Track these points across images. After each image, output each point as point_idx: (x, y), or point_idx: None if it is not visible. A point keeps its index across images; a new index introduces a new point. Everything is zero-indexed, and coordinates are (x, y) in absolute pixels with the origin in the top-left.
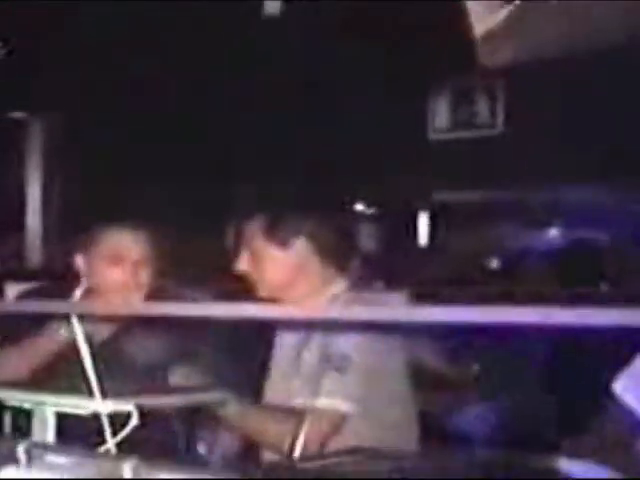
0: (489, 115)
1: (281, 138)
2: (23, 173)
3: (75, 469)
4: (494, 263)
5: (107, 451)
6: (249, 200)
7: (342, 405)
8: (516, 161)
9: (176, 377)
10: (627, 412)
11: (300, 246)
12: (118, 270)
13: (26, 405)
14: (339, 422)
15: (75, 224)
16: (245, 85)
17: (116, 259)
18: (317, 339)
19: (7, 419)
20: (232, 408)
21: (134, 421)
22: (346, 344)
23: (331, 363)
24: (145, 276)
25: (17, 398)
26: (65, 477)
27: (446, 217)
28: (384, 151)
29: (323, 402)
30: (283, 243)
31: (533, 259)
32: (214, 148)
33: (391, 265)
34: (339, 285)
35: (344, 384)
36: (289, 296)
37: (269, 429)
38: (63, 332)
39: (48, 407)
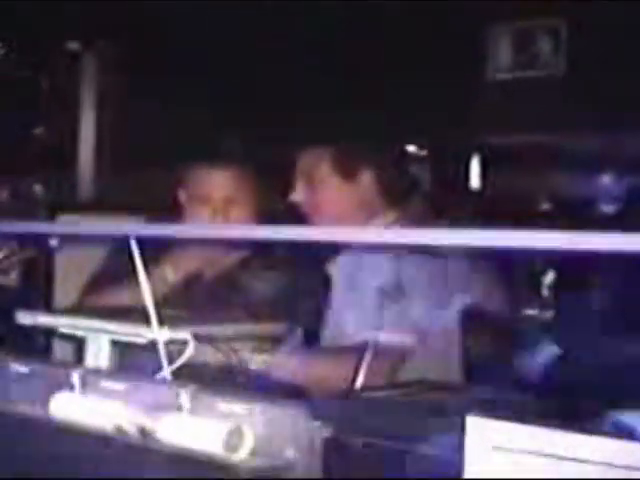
0: (551, 56)
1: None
2: (76, 105)
3: (130, 395)
4: (547, 207)
5: (163, 378)
6: (312, 131)
7: (402, 338)
8: (577, 104)
9: None
10: None
11: (365, 179)
12: (207, 209)
13: (80, 333)
14: (400, 356)
15: (127, 158)
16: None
17: (205, 198)
18: (369, 269)
19: (59, 346)
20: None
21: (190, 350)
22: (400, 274)
23: (387, 295)
24: (235, 214)
25: (71, 325)
26: (121, 404)
27: (500, 160)
28: (440, 93)
29: (382, 336)
30: (350, 175)
31: (588, 205)
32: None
33: (443, 208)
34: (392, 215)
35: (402, 316)
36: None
37: (324, 375)
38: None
39: (103, 335)
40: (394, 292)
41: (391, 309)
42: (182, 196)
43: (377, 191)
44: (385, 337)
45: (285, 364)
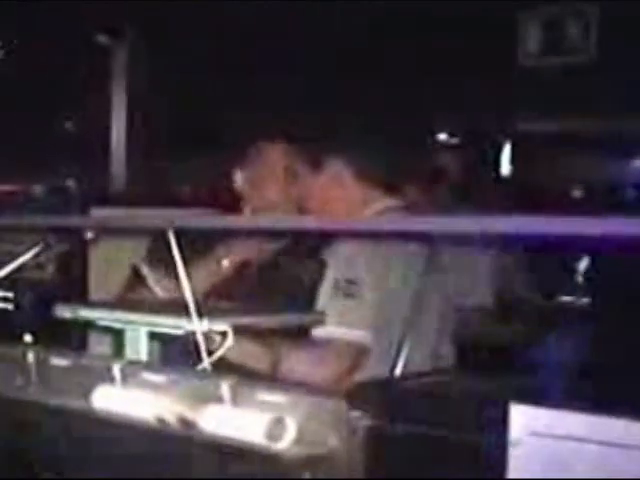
0: (580, 41)
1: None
2: (108, 99)
3: (171, 387)
4: (578, 194)
5: (204, 370)
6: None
7: (354, 334)
8: (606, 89)
9: None
10: None
11: (333, 167)
12: (275, 187)
13: (118, 325)
14: (352, 352)
15: (158, 151)
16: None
17: (272, 175)
18: (334, 259)
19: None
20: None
21: (229, 341)
22: (355, 269)
23: (340, 289)
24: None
25: (110, 318)
26: (162, 396)
27: (531, 146)
28: (470, 79)
29: (336, 331)
30: (314, 164)
31: (619, 190)
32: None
33: (473, 194)
34: (381, 203)
35: (353, 311)
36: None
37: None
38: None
39: (142, 327)
40: (346, 286)
41: (338, 303)
42: (240, 178)
43: (354, 179)
44: (338, 333)
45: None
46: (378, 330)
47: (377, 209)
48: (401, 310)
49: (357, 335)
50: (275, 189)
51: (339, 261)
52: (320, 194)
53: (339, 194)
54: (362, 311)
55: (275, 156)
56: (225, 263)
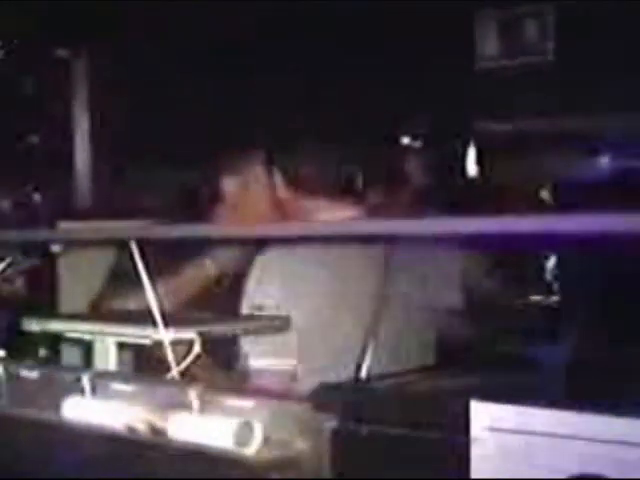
0: (539, 42)
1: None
2: (70, 112)
3: (140, 396)
4: (544, 194)
5: (172, 378)
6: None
7: (278, 363)
8: (566, 89)
9: None
10: None
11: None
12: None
13: (87, 336)
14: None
15: (124, 162)
16: None
17: (259, 184)
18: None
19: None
20: None
21: (197, 349)
22: (264, 292)
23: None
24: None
25: (77, 329)
26: (131, 405)
27: (494, 148)
28: (430, 82)
29: (260, 363)
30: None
31: (583, 189)
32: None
33: (439, 197)
34: (328, 214)
35: (268, 338)
36: None
37: None
38: (209, 263)
39: (109, 337)
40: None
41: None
42: (229, 185)
43: (291, 189)
44: (263, 364)
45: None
46: (308, 351)
47: (335, 217)
48: (345, 322)
49: (281, 363)
50: (264, 197)
51: (250, 285)
52: (251, 204)
53: (273, 205)
54: (279, 337)
55: (259, 165)
56: (211, 270)
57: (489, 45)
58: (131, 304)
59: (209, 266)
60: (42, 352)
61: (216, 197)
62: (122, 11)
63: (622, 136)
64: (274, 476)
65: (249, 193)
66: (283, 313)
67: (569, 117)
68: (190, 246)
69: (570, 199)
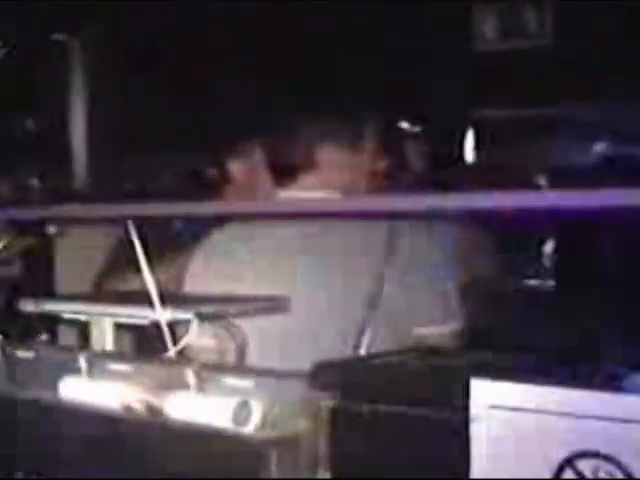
0: (537, 26)
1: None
2: (66, 96)
3: (137, 375)
4: (542, 180)
5: (169, 358)
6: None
7: None
8: (565, 74)
9: None
10: None
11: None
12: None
13: (83, 317)
14: None
15: (121, 147)
16: None
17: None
18: None
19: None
20: None
21: (194, 329)
22: None
23: None
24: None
25: (74, 310)
26: (127, 384)
27: (492, 133)
28: (427, 67)
29: None
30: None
31: (581, 175)
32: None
33: (437, 181)
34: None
35: None
36: None
37: None
38: None
39: (106, 318)
40: None
41: None
42: (236, 168)
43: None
44: None
45: None
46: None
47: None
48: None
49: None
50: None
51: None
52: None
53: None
54: None
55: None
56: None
57: (487, 28)
58: (133, 284)
59: None
60: (41, 335)
61: (224, 179)
62: None
63: (621, 123)
64: (273, 454)
65: (255, 175)
66: None
67: (566, 103)
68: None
69: (567, 185)
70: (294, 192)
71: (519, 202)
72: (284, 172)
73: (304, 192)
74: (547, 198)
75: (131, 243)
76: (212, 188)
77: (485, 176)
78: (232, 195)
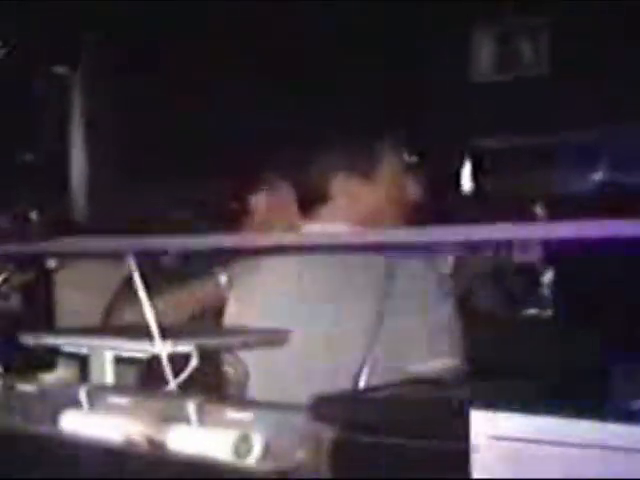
0: (533, 56)
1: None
2: (66, 128)
3: (138, 409)
4: (539, 209)
5: (170, 391)
6: None
7: None
8: (562, 103)
9: None
10: None
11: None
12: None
13: (83, 350)
14: None
15: (120, 179)
16: None
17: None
18: None
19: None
20: None
21: (194, 362)
22: None
23: None
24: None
25: (74, 343)
26: (129, 418)
27: (490, 163)
28: (425, 97)
29: None
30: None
31: (580, 203)
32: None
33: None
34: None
35: None
36: None
37: None
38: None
39: (106, 351)
40: None
41: None
42: (259, 203)
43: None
44: None
45: None
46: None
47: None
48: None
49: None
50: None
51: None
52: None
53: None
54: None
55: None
56: (215, 288)
57: (485, 59)
58: (139, 316)
59: (222, 281)
60: (42, 369)
61: (245, 213)
62: (120, 23)
63: (618, 150)
64: None
65: (282, 208)
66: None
67: (565, 132)
68: (204, 259)
69: (565, 214)
70: (317, 225)
71: (518, 234)
72: (309, 205)
73: (326, 224)
74: (545, 229)
75: (131, 276)
76: (231, 221)
77: (483, 206)
78: (253, 228)
